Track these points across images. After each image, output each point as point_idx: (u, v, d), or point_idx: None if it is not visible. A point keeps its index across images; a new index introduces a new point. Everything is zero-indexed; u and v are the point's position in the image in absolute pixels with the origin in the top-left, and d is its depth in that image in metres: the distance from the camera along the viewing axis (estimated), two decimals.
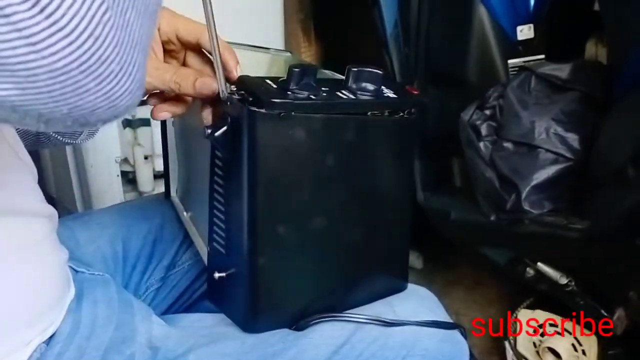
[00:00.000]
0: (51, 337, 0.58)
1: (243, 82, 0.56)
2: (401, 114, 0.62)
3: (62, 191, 1.64)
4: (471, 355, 0.70)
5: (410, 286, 0.73)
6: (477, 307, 1.49)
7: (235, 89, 0.56)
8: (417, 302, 0.70)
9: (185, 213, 0.77)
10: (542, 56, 1.26)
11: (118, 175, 1.47)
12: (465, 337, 0.69)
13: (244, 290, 0.60)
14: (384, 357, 0.62)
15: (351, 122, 0.59)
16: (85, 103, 0.31)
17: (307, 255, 0.62)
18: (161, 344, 0.61)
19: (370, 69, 0.60)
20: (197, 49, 0.61)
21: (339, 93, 0.58)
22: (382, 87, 0.61)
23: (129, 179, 1.54)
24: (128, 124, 1.45)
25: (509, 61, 1.25)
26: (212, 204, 0.61)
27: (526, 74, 1.12)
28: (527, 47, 1.25)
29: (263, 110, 0.52)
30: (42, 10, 0.27)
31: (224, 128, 0.54)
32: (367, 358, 0.61)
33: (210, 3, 0.50)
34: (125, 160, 1.49)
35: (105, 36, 0.29)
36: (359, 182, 0.63)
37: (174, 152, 0.78)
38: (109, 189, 1.47)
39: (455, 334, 0.68)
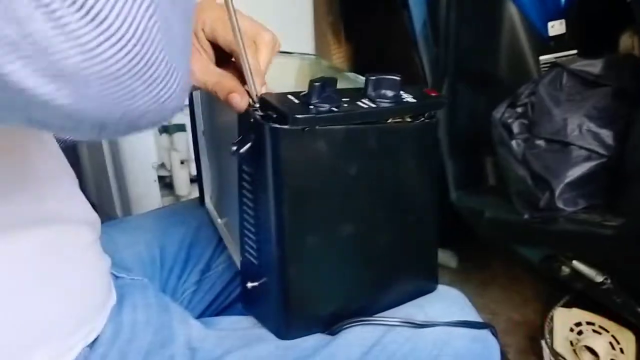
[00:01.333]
0: (94, 340, 0.60)
1: (266, 99, 0.57)
2: (422, 118, 0.63)
3: (102, 197, 1.69)
4: (502, 354, 0.70)
5: (440, 287, 0.73)
6: (512, 307, 1.48)
7: (258, 105, 0.57)
8: (447, 302, 0.70)
9: (219, 219, 0.79)
10: (575, 51, 1.25)
11: (155, 180, 1.51)
12: (497, 337, 0.69)
13: (276, 299, 0.62)
14: (415, 357, 0.62)
15: (373, 130, 0.60)
16: (136, 107, 0.33)
17: (336, 262, 0.63)
18: (199, 345, 0.63)
19: (388, 76, 0.60)
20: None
21: (359, 102, 0.59)
22: (401, 92, 0.62)
23: (166, 183, 1.58)
24: (164, 129, 1.49)
25: (541, 58, 1.24)
26: (242, 216, 0.63)
27: (557, 71, 1.11)
28: (558, 42, 1.24)
29: (287, 127, 0.53)
30: (93, 19, 0.28)
31: (249, 144, 0.55)
32: (398, 358, 0.62)
33: (238, 25, 0.52)
34: (162, 166, 1.53)
35: (152, 40, 0.31)
36: (384, 187, 0.63)
37: (206, 159, 0.80)
38: (146, 194, 1.51)
39: (486, 333, 0.68)
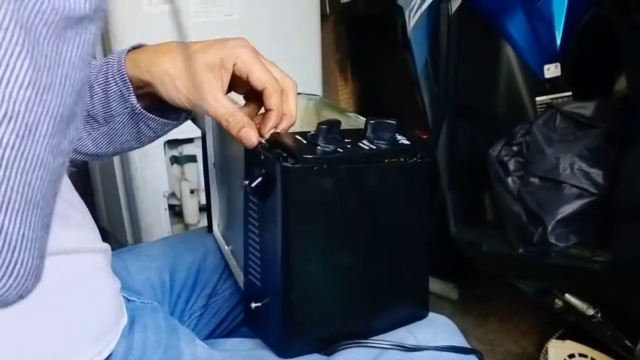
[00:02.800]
0: (107, 358, 0.65)
1: (276, 138, 0.63)
2: (414, 158, 0.68)
3: (114, 224, 1.74)
4: None
5: (431, 315, 0.77)
6: (511, 338, 1.51)
7: (267, 145, 0.62)
8: (436, 328, 0.74)
9: (226, 247, 0.84)
10: (570, 93, 1.30)
11: (166, 209, 1.56)
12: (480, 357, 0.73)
13: (278, 319, 0.66)
14: None
15: (372, 169, 0.65)
16: None
17: (334, 287, 0.68)
18: None
19: (385, 121, 0.66)
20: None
21: (360, 144, 0.65)
22: (397, 135, 0.67)
23: (176, 211, 1.63)
24: (175, 160, 1.55)
25: (537, 98, 1.29)
26: (247, 242, 0.68)
27: (551, 112, 1.17)
28: (554, 84, 1.29)
29: (298, 165, 0.59)
30: None
31: (259, 180, 0.60)
32: None
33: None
34: (172, 195, 1.58)
35: None
36: (381, 221, 0.69)
37: (215, 189, 0.86)
38: (157, 222, 1.56)
39: (473, 359, 0.72)
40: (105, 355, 0.64)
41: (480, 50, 1.33)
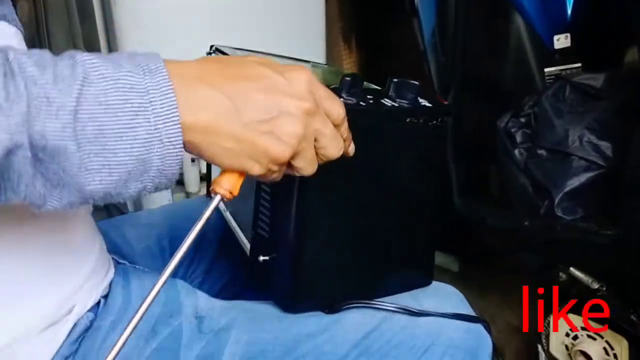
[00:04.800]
0: (104, 308, 0.64)
1: None
2: (435, 121, 0.68)
3: None
4: (494, 348, 0.73)
5: (437, 283, 0.77)
6: (511, 311, 1.51)
7: None
8: (442, 297, 0.74)
9: (226, 211, 0.83)
10: (579, 65, 1.27)
11: None
12: (489, 331, 0.72)
13: (286, 273, 0.66)
14: (410, 345, 0.66)
15: (393, 127, 0.65)
16: None
17: (344, 244, 0.68)
18: (206, 314, 0.66)
19: (409, 81, 0.66)
20: None
21: (382, 101, 0.65)
22: (418, 96, 0.67)
23: (177, 180, 1.61)
24: None
25: (546, 69, 1.27)
26: (259, 194, 0.67)
27: (561, 83, 1.15)
28: (564, 55, 1.27)
29: None
30: None
31: None
32: (395, 345, 0.66)
33: None
34: None
35: None
36: (395, 182, 0.69)
37: None
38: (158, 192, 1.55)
39: (479, 327, 0.72)
40: (91, 304, 0.63)
41: (489, 19, 1.31)
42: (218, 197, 0.47)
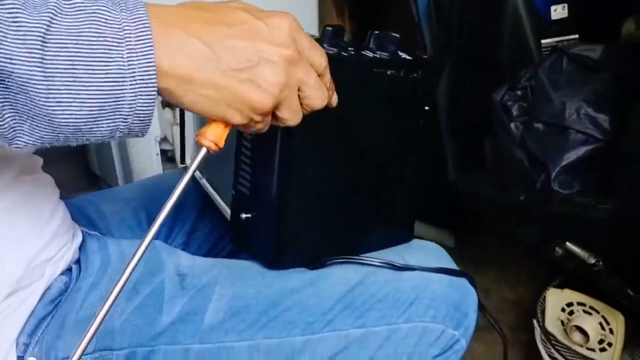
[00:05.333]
0: (83, 270, 0.64)
1: None
2: (415, 74, 0.67)
3: (104, 170, 1.71)
4: (480, 303, 0.73)
5: (419, 241, 0.78)
6: (506, 286, 1.51)
7: None
8: (425, 253, 0.74)
9: (202, 178, 0.83)
10: (576, 36, 1.25)
11: (158, 154, 1.52)
12: (474, 286, 0.72)
13: (268, 229, 0.65)
14: (395, 298, 0.66)
15: (374, 78, 0.65)
16: None
17: (326, 200, 0.67)
18: (188, 271, 0.66)
19: (389, 33, 0.66)
20: None
21: (363, 52, 0.65)
22: (398, 50, 0.67)
23: (168, 157, 1.59)
24: (167, 104, 1.50)
25: (542, 41, 1.25)
26: (239, 150, 0.66)
27: (558, 55, 1.12)
28: (561, 26, 1.25)
29: None
30: None
31: None
32: (379, 298, 0.66)
33: None
34: (164, 139, 1.54)
35: None
36: (376, 136, 0.68)
37: (191, 121, 0.84)
38: (149, 167, 1.53)
39: (463, 281, 0.71)
40: (62, 267, 0.63)
41: None
42: (204, 150, 0.46)
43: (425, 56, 0.73)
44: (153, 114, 0.43)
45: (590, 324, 1.13)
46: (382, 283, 0.67)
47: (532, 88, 1.13)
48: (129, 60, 0.40)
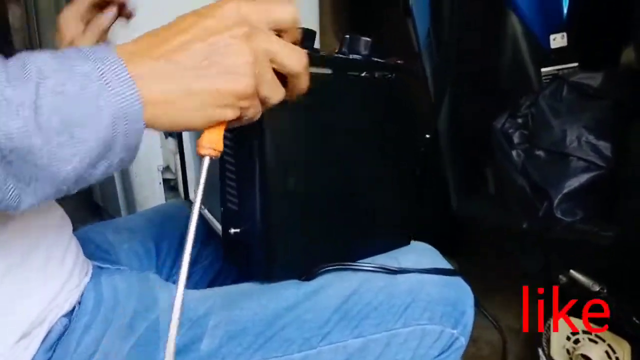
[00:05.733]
0: (76, 312, 0.62)
1: None
2: (390, 75, 0.67)
3: (107, 199, 1.71)
4: (476, 300, 0.72)
5: (413, 242, 0.77)
6: (512, 314, 1.49)
7: None
8: (419, 254, 0.74)
9: (204, 209, 0.83)
10: (576, 64, 1.26)
11: (160, 183, 1.53)
12: (469, 284, 0.71)
13: (257, 242, 0.65)
14: (390, 304, 0.66)
15: (348, 80, 0.64)
16: None
17: (315, 208, 0.67)
18: (184, 305, 0.65)
19: (361, 37, 0.66)
20: None
21: (335, 55, 0.65)
22: (370, 53, 0.67)
23: (171, 186, 1.60)
24: (169, 133, 1.51)
25: (542, 69, 1.26)
26: (223, 166, 0.66)
27: (558, 83, 1.13)
28: (560, 55, 1.26)
29: None
30: None
31: None
32: (375, 306, 0.65)
33: None
34: (167, 169, 1.55)
35: None
36: (358, 139, 0.67)
37: (190, 158, 0.84)
38: (151, 196, 1.53)
39: (458, 280, 0.71)
40: (66, 308, 0.61)
41: (484, 18, 1.30)
42: (207, 159, 0.47)
43: (399, 61, 0.72)
44: (139, 144, 0.44)
45: (596, 352, 1.12)
46: (377, 290, 0.66)
47: (533, 115, 1.14)
48: (117, 104, 0.41)
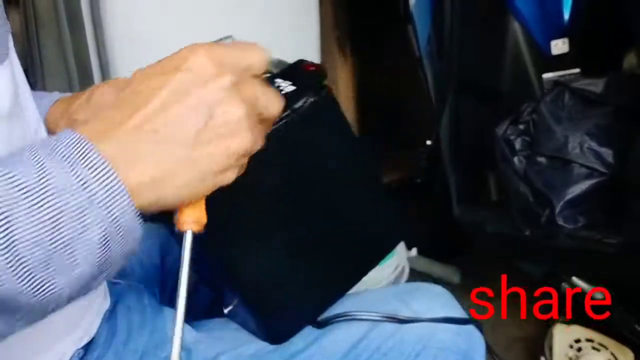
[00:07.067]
0: (89, 343, 0.61)
1: None
2: (310, 99, 0.58)
3: None
4: (488, 348, 0.71)
5: (424, 284, 0.76)
6: (514, 323, 1.48)
7: None
8: (431, 298, 0.72)
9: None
10: (578, 70, 1.26)
11: None
12: (482, 331, 0.70)
13: (252, 316, 0.64)
14: (400, 351, 0.64)
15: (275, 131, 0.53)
16: None
17: (290, 261, 0.64)
18: (193, 347, 0.64)
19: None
20: None
21: None
22: (277, 84, 0.59)
23: None
24: None
25: (544, 76, 1.25)
26: (194, 263, 0.62)
27: (560, 89, 1.13)
28: (561, 61, 1.25)
29: None
30: None
31: None
32: (384, 352, 0.64)
33: None
34: None
35: None
36: (310, 179, 0.62)
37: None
38: None
39: (471, 328, 0.69)
40: (85, 342, 0.60)
41: (485, 25, 1.29)
42: (189, 233, 0.42)
43: (312, 67, 0.64)
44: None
45: None
46: (387, 335, 0.65)
47: (535, 122, 1.13)
48: (109, 214, 0.36)
